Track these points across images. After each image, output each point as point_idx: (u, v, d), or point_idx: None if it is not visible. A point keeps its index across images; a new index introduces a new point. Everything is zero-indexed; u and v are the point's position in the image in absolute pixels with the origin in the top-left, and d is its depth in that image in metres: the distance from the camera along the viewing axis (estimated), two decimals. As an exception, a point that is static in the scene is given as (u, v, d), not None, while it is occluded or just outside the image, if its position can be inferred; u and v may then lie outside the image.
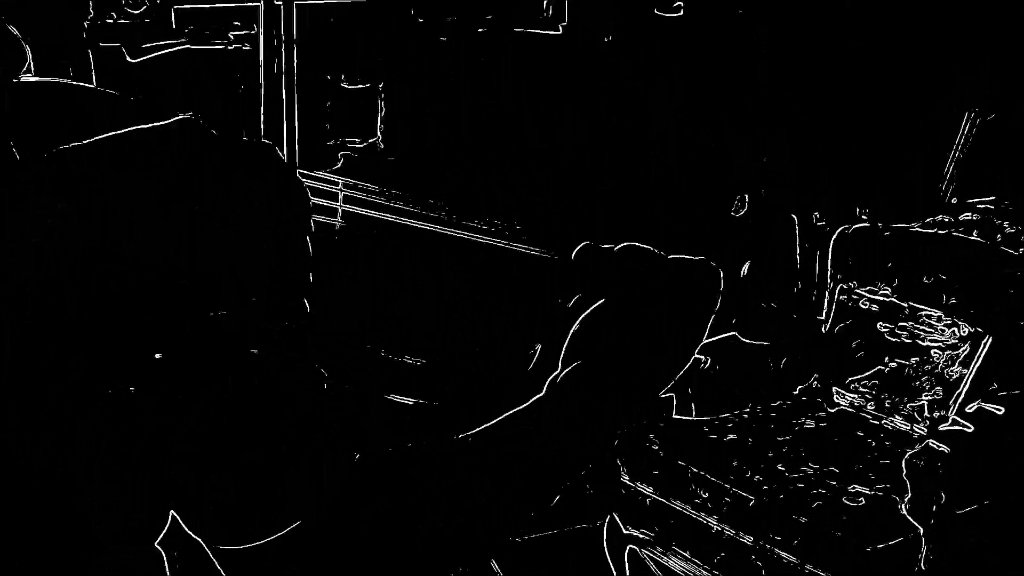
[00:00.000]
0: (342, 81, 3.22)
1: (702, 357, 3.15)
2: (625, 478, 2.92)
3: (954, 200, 3.53)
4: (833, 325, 3.22)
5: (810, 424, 3.06)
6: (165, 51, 2.98)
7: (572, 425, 1.27)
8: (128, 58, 2.97)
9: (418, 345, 2.62)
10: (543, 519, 3.12)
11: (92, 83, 3.01)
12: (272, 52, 3.04)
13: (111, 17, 2.94)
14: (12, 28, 2.76)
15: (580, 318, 1.32)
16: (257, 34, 3.05)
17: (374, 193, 2.86)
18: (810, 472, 2.80)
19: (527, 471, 1.26)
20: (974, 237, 3.15)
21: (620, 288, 1.34)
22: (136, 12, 2.93)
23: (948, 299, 3.07)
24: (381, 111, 3.29)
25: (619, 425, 1.32)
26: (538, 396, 1.30)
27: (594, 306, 1.32)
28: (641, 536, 2.90)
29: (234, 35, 3.02)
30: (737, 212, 3.78)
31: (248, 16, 3.04)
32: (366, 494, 1.23)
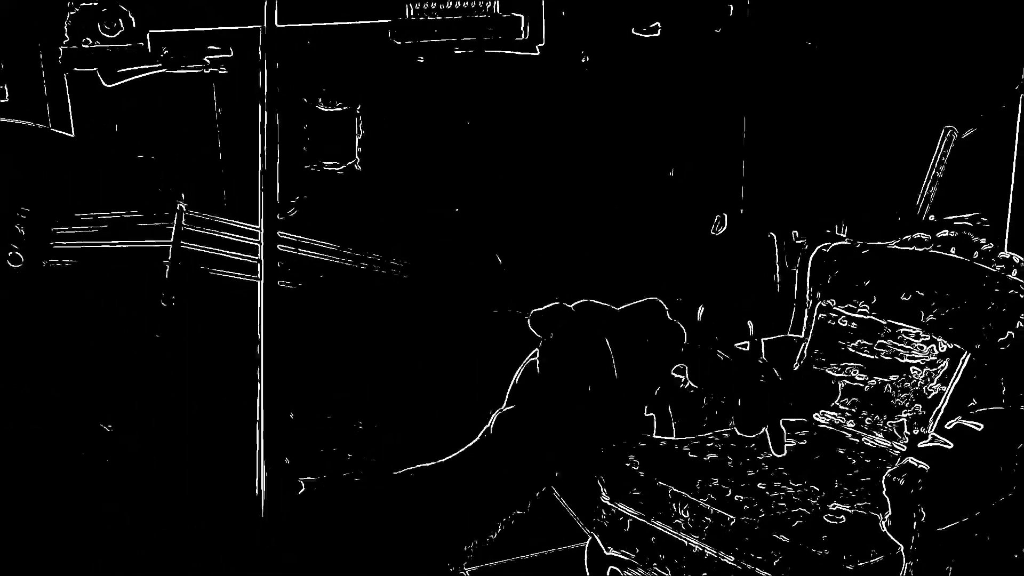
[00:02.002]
0: (319, 104, 3.22)
1: (683, 376, 3.15)
2: (606, 499, 2.91)
3: (931, 217, 3.54)
4: (811, 344, 3.23)
5: (791, 442, 3.06)
6: (140, 75, 2.97)
7: (503, 465, 1.27)
8: (103, 83, 2.96)
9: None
10: (524, 541, 3.11)
11: (68, 108, 3.00)
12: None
13: (86, 42, 2.93)
14: None
15: (522, 366, 1.33)
16: (234, 58, 3.05)
17: (327, 252, 2.85)
18: (791, 491, 2.80)
19: (463, 506, 1.27)
20: (951, 254, 3.16)
21: (574, 344, 1.35)
22: (112, 36, 2.92)
23: (926, 316, 3.08)
24: (359, 134, 3.29)
25: (557, 469, 1.32)
26: (479, 436, 1.30)
27: (533, 354, 1.33)
28: (622, 557, 2.89)
29: (210, 59, 3.02)
30: (716, 231, 3.79)
31: (224, 40, 3.04)
32: (311, 523, 1.23)
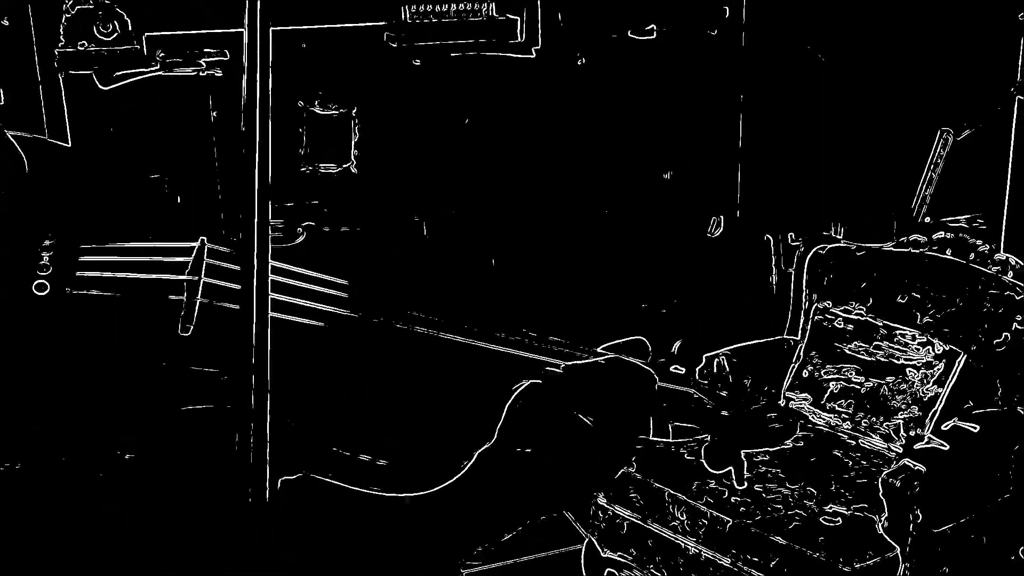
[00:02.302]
0: (315, 107, 3.22)
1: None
2: (602, 501, 2.91)
3: (927, 219, 3.55)
4: (807, 346, 3.23)
5: (787, 445, 3.06)
6: (136, 78, 2.97)
7: (481, 501, 1.29)
8: (100, 85, 2.96)
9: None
10: (521, 544, 3.11)
11: (63, 111, 3.00)
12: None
13: (82, 45, 2.93)
14: None
15: (510, 403, 1.34)
16: (230, 61, 3.05)
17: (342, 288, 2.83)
18: (787, 493, 2.80)
19: (443, 535, 1.28)
20: (947, 256, 3.16)
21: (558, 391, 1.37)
22: (107, 39, 2.92)
23: (922, 318, 3.08)
24: (355, 137, 3.29)
25: (538, 508, 1.34)
26: (470, 464, 1.32)
27: (517, 392, 1.35)
28: (619, 559, 2.89)
29: (205, 62, 3.01)
30: (713, 233, 3.79)
31: (219, 42, 3.04)
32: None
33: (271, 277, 2.06)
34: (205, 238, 1.72)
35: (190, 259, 2.55)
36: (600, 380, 1.45)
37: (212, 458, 2.45)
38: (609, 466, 1.39)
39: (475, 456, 1.34)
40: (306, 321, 2.61)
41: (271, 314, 1.99)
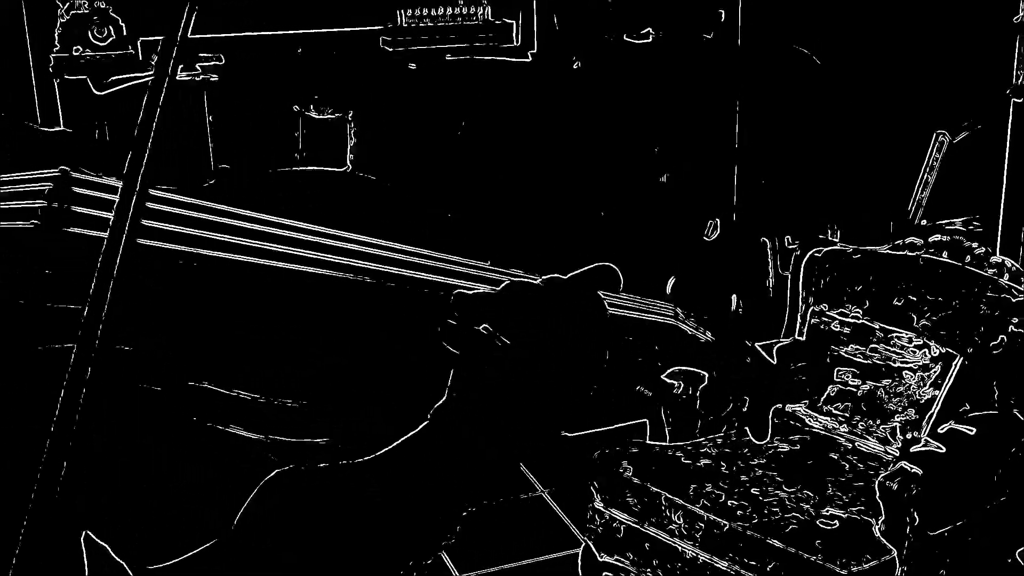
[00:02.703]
0: (311, 111, 3.22)
1: (675, 382, 3.15)
2: (599, 505, 2.90)
3: (923, 222, 3.55)
4: (806, 349, 3.23)
5: (784, 448, 3.06)
6: (131, 83, 2.97)
7: (451, 454, 1.24)
8: (94, 90, 2.96)
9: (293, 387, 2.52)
10: (517, 548, 3.11)
11: (59, 115, 3.00)
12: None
13: (77, 50, 2.93)
14: None
15: (461, 351, 1.28)
16: (226, 66, 3.05)
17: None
18: (784, 496, 2.80)
19: (423, 496, 1.24)
20: (944, 258, 3.16)
21: (497, 328, 1.29)
22: (102, 44, 2.92)
23: (919, 321, 3.08)
24: (351, 141, 3.29)
25: (512, 455, 1.28)
26: (422, 426, 1.27)
27: (473, 340, 1.28)
28: (616, 563, 2.89)
29: (201, 66, 3.02)
30: (709, 236, 3.79)
31: (215, 47, 3.04)
32: (275, 508, 1.21)
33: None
34: (67, 167, 1.64)
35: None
36: (535, 306, 1.33)
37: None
38: (578, 403, 1.29)
39: (430, 415, 1.28)
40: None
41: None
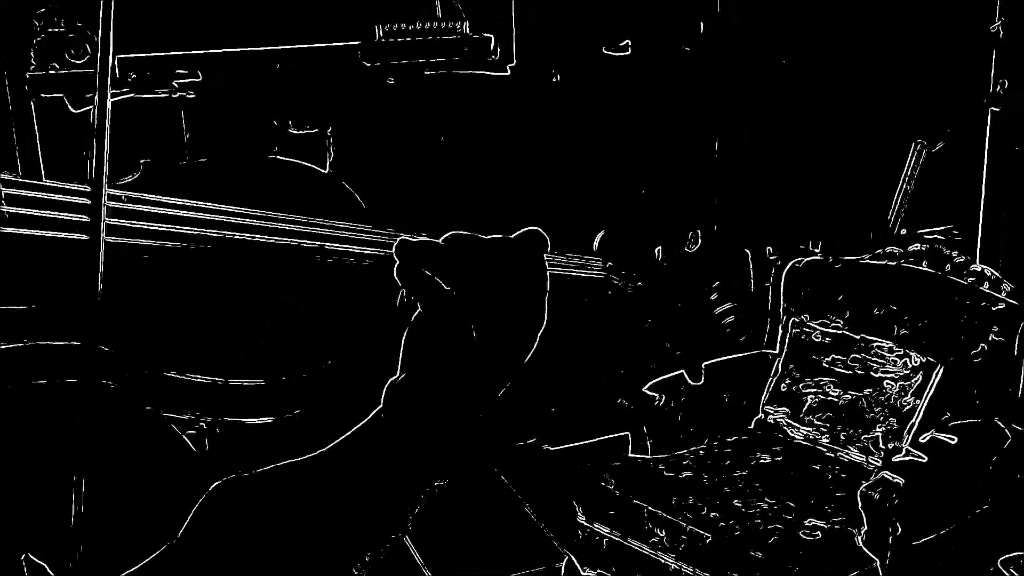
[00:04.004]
0: (289, 127, 3.21)
1: (656, 395, 3.15)
2: (581, 519, 2.90)
3: (903, 231, 3.56)
4: (785, 360, 3.23)
5: (766, 459, 3.05)
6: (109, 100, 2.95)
7: (409, 434, 1.24)
8: (71, 108, 2.95)
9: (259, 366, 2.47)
10: (501, 562, 3.09)
11: (35, 134, 2.98)
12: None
13: (53, 67, 2.92)
14: None
15: (407, 328, 1.28)
16: (203, 83, 3.04)
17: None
18: (766, 507, 2.79)
19: (378, 482, 1.23)
20: (923, 267, 3.17)
21: (439, 291, 1.30)
22: (79, 62, 2.91)
23: (899, 330, 3.08)
24: (330, 156, 3.28)
25: (461, 428, 1.27)
26: (378, 408, 1.27)
27: (415, 316, 1.29)
28: (599, 577, 2.88)
29: (178, 83, 3.01)
30: (690, 248, 3.79)
31: (192, 64, 3.03)
32: (221, 518, 1.20)
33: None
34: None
35: None
36: (497, 259, 1.36)
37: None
38: (519, 349, 1.29)
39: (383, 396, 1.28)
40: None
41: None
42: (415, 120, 3.40)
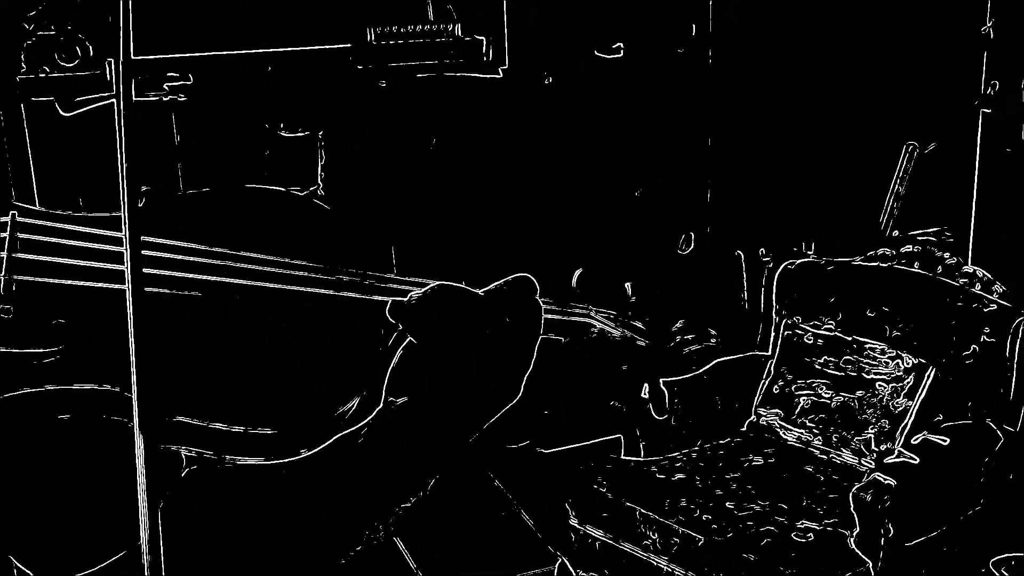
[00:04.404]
0: (281, 130, 3.20)
1: (649, 396, 3.14)
2: (574, 521, 2.89)
3: (895, 233, 3.56)
4: (778, 362, 3.23)
5: (758, 461, 3.05)
6: (99, 103, 2.95)
7: (402, 448, 1.26)
8: (61, 112, 2.94)
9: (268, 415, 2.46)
10: (494, 565, 3.09)
11: (25, 138, 2.98)
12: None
13: (44, 71, 2.91)
14: None
15: (396, 357, 1.32)
16: (193, 86, 3.03)
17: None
18: (759, 509, 2.79)
19: (363, 486, 1.25)
20: (915, 269, 3.17)
21: (432, 329, 1.35)
22: (69, 65, 2.90)
23: (891, 332, 3.08)
24: (321, 159, 3.28)
25: (450, 449, 1.30)
26: (366, 421, 1.29)
27: (406, 345, 1.33)
28: (592, 580, 2.88)
29: (169, 86, 3.00)
30: (683, 250, 3.79)
31: (182, 67, 3.03)
32: (208, 512, 1.21)
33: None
34: (16, 212, 1.64)
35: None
36: (486, 309, 1.42)
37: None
38: (494, 405, 1.34)
39: (374, 414, 1.31)
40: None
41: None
42: (407, 122, 3.39)
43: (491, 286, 1.49)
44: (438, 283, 1.45)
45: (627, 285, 2.46)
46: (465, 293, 1.43)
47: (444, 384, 1.30)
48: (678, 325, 2.85)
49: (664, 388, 2.66)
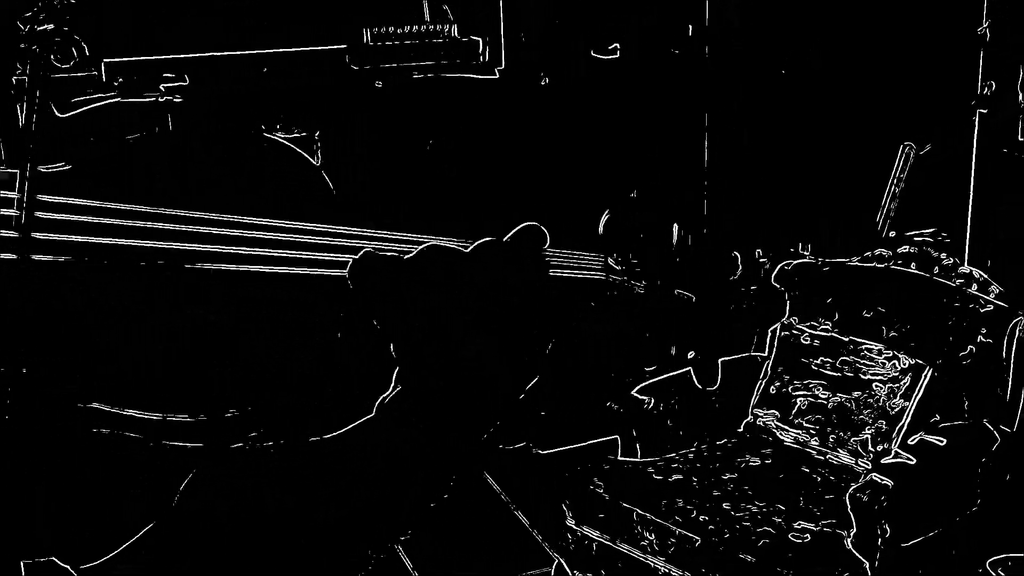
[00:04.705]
0: (277, 130, 3.20)
1: (645, 398, 3.14)
2: (571, 522, 2.89)
3: (892, 233, 3.56)
4: (775, 362, 3.23)
5: (755, 461, 3.05)
6: (95, 105, 2.95)
7: (409, 441, 1.23)
8: (57, 113, 2.94)
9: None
10: (490, 567, 3.09)
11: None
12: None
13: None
14: None
15: (402, 343, 1.26)
16: (189, 86, 3.03)
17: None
18: (756, 510, 2.79)
19: (369, 481, 1.23)
20: (912, 270, 3.17)
21: (428, 308, 1.26)
22: (65, 66, 2.90)
23: (888, 332, 3.08)
24: (318, 160, 3.27)
25: (470, 436, 1.26)
26: (368, 417, 1.26)
27: (411, 330, 1.26)
28: (588, 581, 2.87)
29: (165, 87, 3.00)
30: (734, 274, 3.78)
31: (179, 68, 3.02)
32: (219, 495, 1.20)
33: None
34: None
35: None
36: (475, 271, 1.29)
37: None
38: (526, 372, 1.26)
39: (376, 406, 1.26)
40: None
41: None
42: (403, 123, 3.39)
43: (487, 239, 1.39)
44: (429, 244, 1.34)
45: (675, 226, 2.30)
46: (455, 254, 1.32)
47: (435, 368, 1.23)
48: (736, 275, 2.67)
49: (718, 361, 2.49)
